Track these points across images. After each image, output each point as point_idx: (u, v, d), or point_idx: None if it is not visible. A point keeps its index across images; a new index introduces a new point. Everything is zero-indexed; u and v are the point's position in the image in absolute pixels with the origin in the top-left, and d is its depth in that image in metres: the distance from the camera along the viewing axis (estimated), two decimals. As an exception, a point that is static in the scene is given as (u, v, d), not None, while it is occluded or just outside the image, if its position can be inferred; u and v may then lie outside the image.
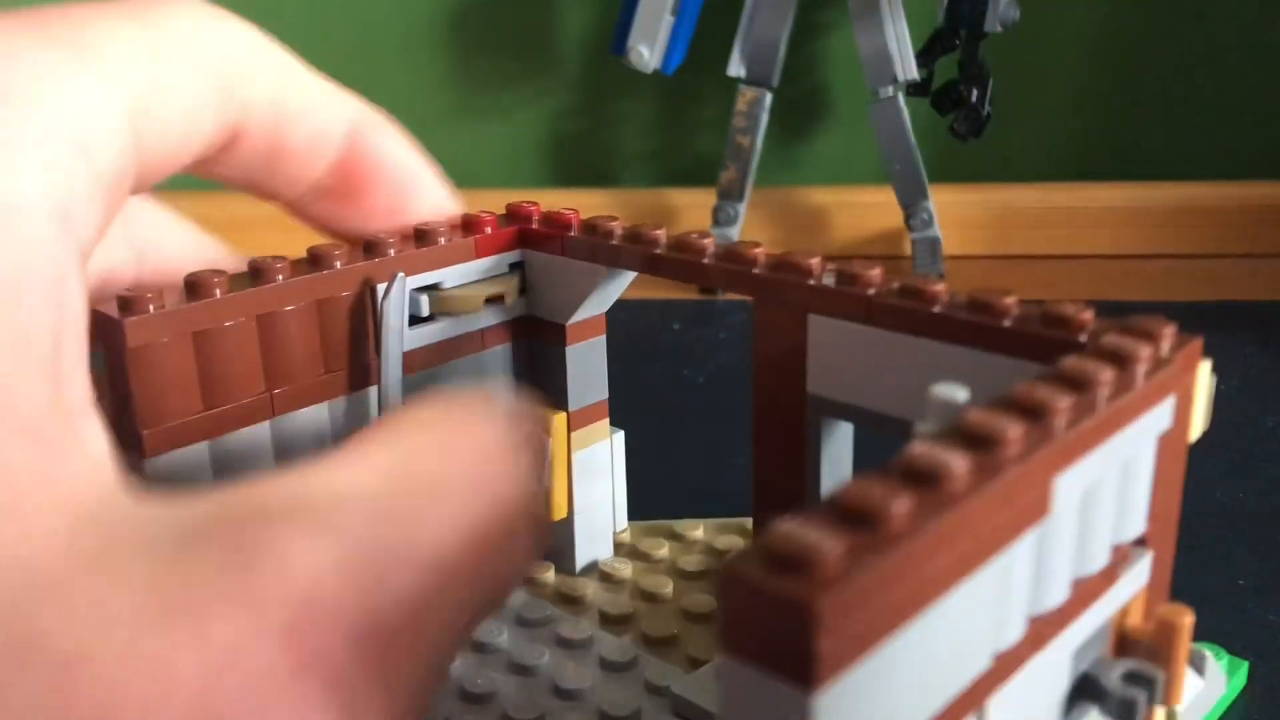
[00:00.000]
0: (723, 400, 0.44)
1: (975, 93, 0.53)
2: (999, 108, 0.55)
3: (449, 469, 0.16)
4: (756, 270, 0.23)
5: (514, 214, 0.27)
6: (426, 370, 0.26)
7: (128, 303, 0.21)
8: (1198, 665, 0.24)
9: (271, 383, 0.23)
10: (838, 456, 0.24)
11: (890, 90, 0.54)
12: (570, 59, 0.65)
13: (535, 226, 0.27)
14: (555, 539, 0.29)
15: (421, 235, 0.25)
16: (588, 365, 0.28)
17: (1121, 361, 0.17)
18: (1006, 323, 0.20)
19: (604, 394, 0.29)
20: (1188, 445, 0.19)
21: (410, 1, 0.65)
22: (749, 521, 0.30)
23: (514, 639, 0.26)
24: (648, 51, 0.53)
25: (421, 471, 0.16)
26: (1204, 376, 0.19)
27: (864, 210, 0.61)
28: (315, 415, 0.24)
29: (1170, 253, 0.60)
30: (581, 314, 0.27)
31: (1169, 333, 0.18)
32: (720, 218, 0.57)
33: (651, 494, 0.32)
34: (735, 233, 0.57)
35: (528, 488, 0.18)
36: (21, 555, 0.14)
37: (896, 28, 0.53)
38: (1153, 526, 0.19)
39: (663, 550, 0.29)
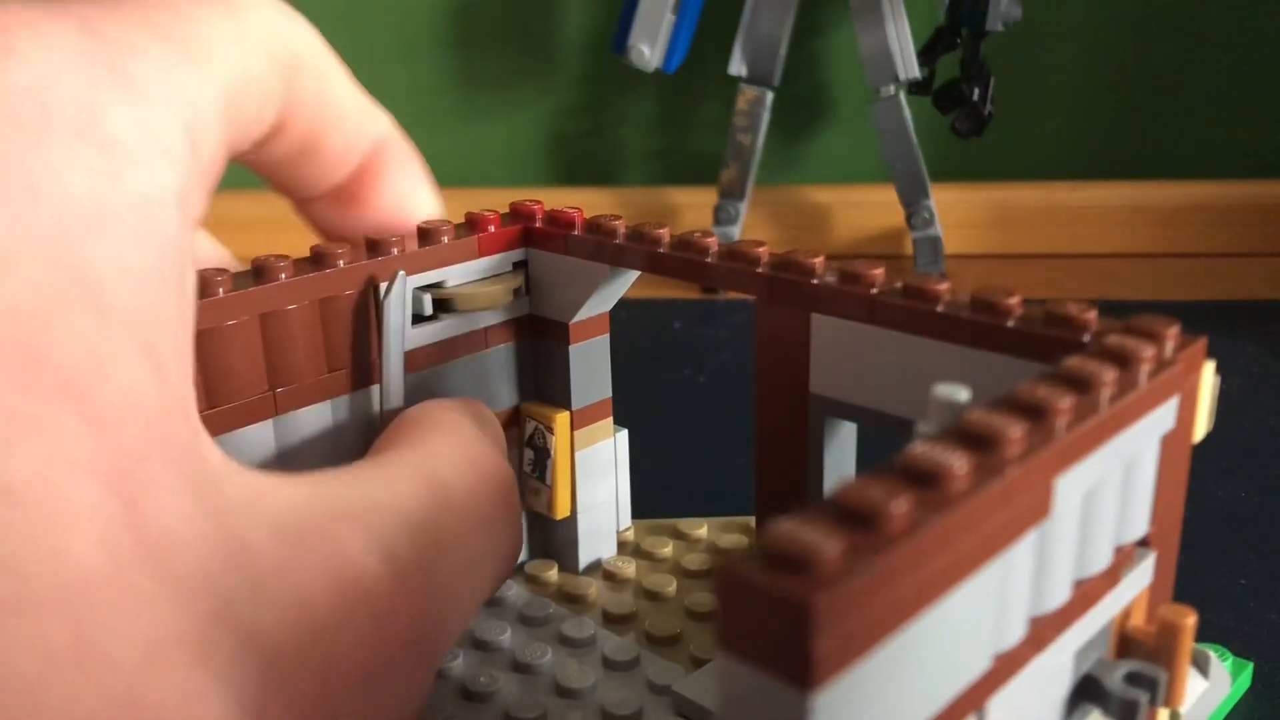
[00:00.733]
0: (724, 399, 0.44)
1: (976, 91, 0.53)
2: (1000, 106, 0.55)
3: (468, 481, 0.19)
4: (759, 269, 0.23)
5: (518, 212, 0.27)
6: (430, 369, 0.26)
7: None
8: (1201, 666, 0.24)
9: (274, 381, 0.23)
10: (841, 456, 0.24)
11: (892, 89, 0.54)
12: (571, 58, 0.65)
13: (539, 225, 0.27)
14: (558, 538, 0.29)
15: (424, 234, 0.25)
16: (591, 364, 0.28)
17: (1124, 362, 0.17)
18: (1009, 322, 0.20)
19: (607, 393, 0.29)
20: (1191, 446, 0.19)
21: (411, 1, 0.65)
22: (753, 520, 0.30)
23: (516, 637, 0.26)
24: (649, 50, 0.53)
25: (446, 482, 0.18)
26: (1208, 377, 0.19)
27: (865, 209, 0.61)
28: (318, 414, 0.24)
29: (1172, 251, 0.60)
30: (585, 313, 0.27)
31: (1173, 333, 0.18)
32: (721, 216, 0.57)
33: (653, 493, 0.32)
34: (736, 232, 0.57)
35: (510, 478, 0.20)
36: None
37: (898, 26, 0.53)
38: (1156, 527, 0.19)
39: (666, 549, 0.29)
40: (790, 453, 0.24)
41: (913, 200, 0.55)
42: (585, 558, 0.29)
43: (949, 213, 0.58)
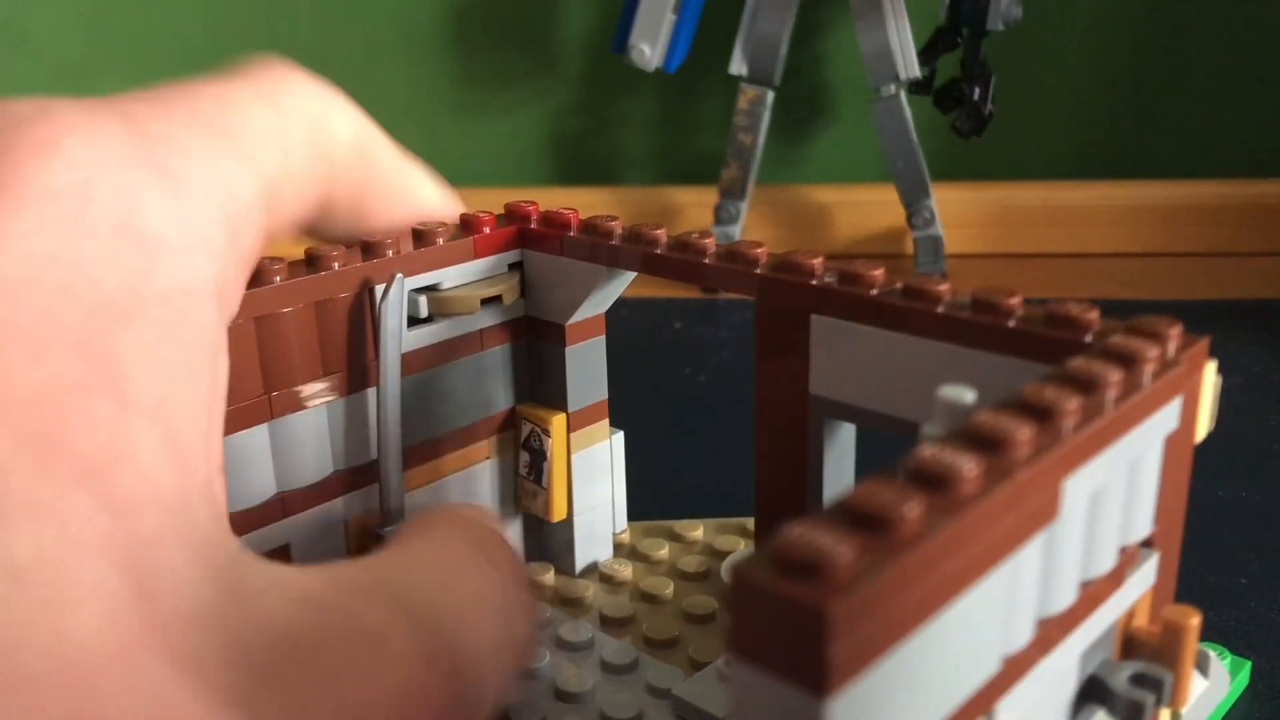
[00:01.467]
0: (724, 399, 0.44)
1: (977, 91, 0.53)
2: (1001, 106, 0.55)
3: (482, 568, 0.19)
4: (759, 270, 0.23)
5: (513, 213, 0.27)
6: (425, 371, 0.26)
7: None
8: (1201, 665, 0.24)
9: (269, 385, 0.23)
10: (840, 458, 0.24)
11: (892, 88, 0.54)
12: (572, 57, 0.65)
13: (534, 226, 0.27)
14: (555, 541, 0.29)
15: (419, 236, 0.25)
16: (587, 365, 0.28)
17: (1129, 362, 0.17)
18: (1011, 323, 0.20)
19: (603, 394, 0.28)
20: (1194, 446, 0.19)
21: (412, 0, 0.64)
22: (749, 522, 0.30)
23: (514, 640, 0.26)
24: (649, 50, 0.53)
25: (463, 569, 0.19)
26: (1210, 377, 0.19)
27: (866, 208, 0.61)
28: (314, 418, 0.24)
29: (1173, 251, 0.60)
30: (581, 314, 0.27)
31: (1175, 333, 0.18)
32: (722, 216, 0.57)
33: (652, 494, 0.32)
34: (737, 231, 0.57)
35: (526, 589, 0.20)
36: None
37: (898, 26, 0.53)
38: (1159, 528, 0.18)
39: (662, 551, 0.29)
40: (789, 454, 0.24)
41: (913, 200, 0.55)
42: (582, 560, 0.29)
43: (949, 212, 0.58)
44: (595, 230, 0.26)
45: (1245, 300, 0.53)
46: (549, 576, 0.28)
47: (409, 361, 0.25)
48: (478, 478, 0.28)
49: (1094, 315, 0.19)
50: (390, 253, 0.24)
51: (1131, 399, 0.16)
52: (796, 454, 0.24)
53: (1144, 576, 0.19)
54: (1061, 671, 0.17)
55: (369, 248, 0.24)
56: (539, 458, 0.28)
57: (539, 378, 0.28)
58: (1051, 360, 0.18)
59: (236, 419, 0.22)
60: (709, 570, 0.28)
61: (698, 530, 0.30)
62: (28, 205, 0.16)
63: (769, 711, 0.12)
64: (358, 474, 0.25)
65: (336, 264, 0.24)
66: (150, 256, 0.17)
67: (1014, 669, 0.15)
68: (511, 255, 0.27)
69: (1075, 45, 0.62)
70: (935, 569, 0.12)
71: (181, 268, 0.17)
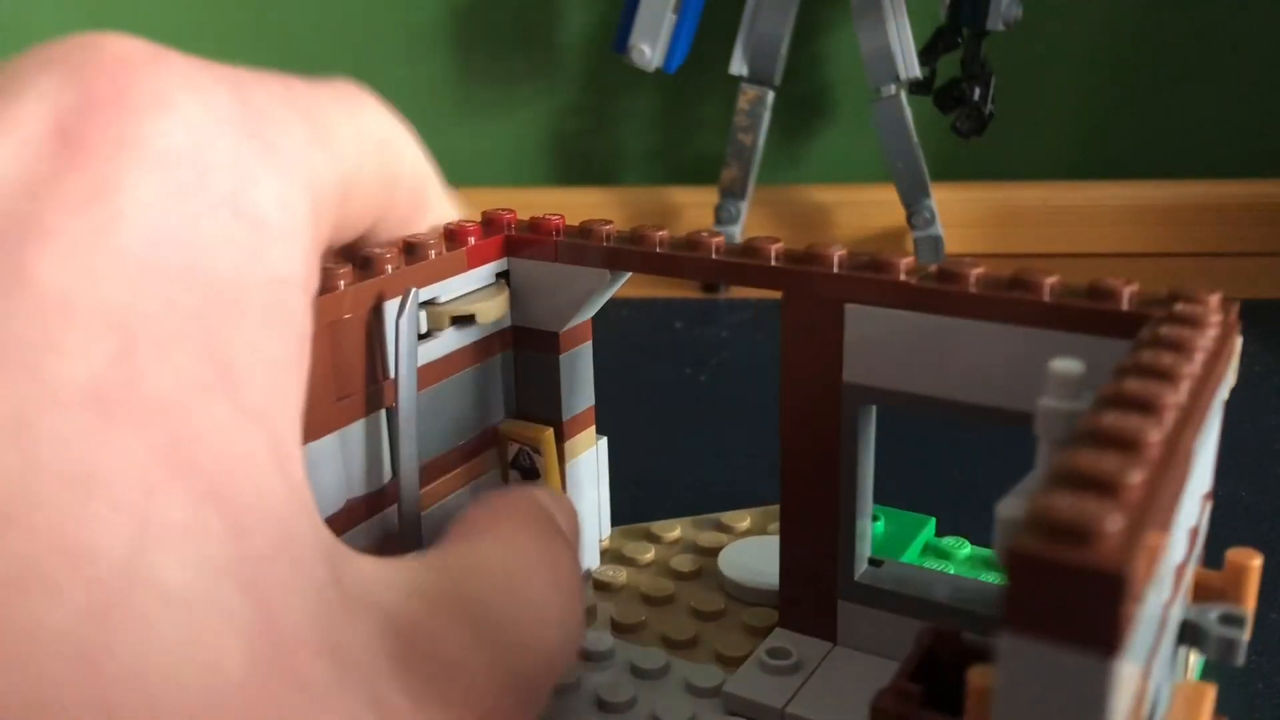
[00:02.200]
0: (725, 399, 0.44)
1: (977, 91, 0.53)
2: (1001, 106, 0.55)
3: (547, 592, 0.19)
4: (787, 265, 0.23)
5: (491, 222, 0.26)
6: (427, 388, 0.25)
7: None
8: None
9: None
10: (868, 442, 0.24)
11: (892, 88, 0.54)
12: (572, 57, 0.65)
13: (517, 233, 0.26)
14: None
15: (411, 249, 0.24)
16: (578, 372, 0.27)
17: (1200, 327, 0.18)
18: (1047, 297, 0.21)
19: (591, 400, 0.28)
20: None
21: (412, 0, 0.64)
22: (724, 516, 0.30)
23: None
24: (649, 50, 0.53)
25: (530, 590, 0.19)
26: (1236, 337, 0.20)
27: (866, 208, 0.61)
28: (328, 442, 0.23)
29: (1173, 251, 0.60)
30: (575, 320, 0.27)
31: (1215, 299, 0.19)
32: (722, 216, 0.57)
33: (652, 494, 0.32)
34: (737, 231, 0.57)
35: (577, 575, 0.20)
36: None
37: (899, 26, 0.53)
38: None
39: (648, 554, 0.29)
40: (819, 443, 0.24)
41: (914, 200, 0.55)
42: None
43: (950, 212, 0.58)
44: (590, 234, 0.25)
45: (1245, 300, 0.53)
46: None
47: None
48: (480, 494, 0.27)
49: (1135, 287, 0.20)
50: (389, 268, 0.23)
51: (1216, 361, 0.17)
52: (827, 442, 0.24)
53: (1204, 526, 0.20)
54: (1178, 616, 0.17)
55: (365, 263, 0.23)
56: (531, 475, 0.27)
57: (526, 389, 0.27)
58: (1092, 332, 0.20)
59: None
60: (702, 568, 0.28)
61: (675, 530, 0.30)
62: (149, 170, 0.15)
63: (1053, 681, 0.12)
64: (371, 500, 0.24)
65: (343, 282, 0.22)
66: (258, 239, 0.16)
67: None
68: (499, 264, 0.26)
69: (1075, 45, 0.62)
70: (1161, 524, 0.13)
71: (283, 254, 0.16)
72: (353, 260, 0.23)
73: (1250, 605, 0.19)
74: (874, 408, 0.24)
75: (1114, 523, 0.12)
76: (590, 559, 0.29)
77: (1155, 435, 0.14)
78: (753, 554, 0.28)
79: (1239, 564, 0.19)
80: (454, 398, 0.26)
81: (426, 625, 0.16)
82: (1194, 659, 0.25)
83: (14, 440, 0.13)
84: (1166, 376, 0.16)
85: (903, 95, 0.54)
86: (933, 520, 0.29)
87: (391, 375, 0.23)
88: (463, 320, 0.25)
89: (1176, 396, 0.15)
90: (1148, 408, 0.15)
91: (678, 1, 0.53)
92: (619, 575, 0.28)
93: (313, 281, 0.18)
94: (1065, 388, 0.17)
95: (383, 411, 0.24)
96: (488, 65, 0.66)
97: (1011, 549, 0.12)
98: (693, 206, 0.61)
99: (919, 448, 0.37)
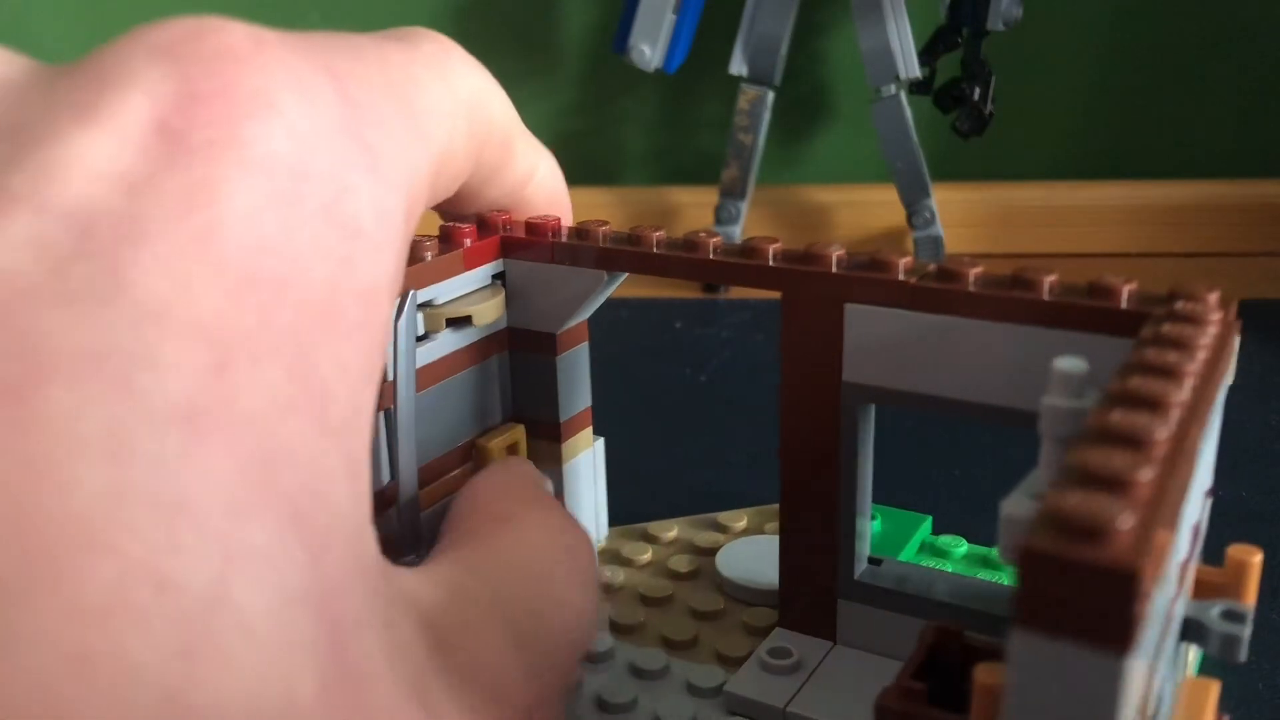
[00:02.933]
0: (725, 399, 0.44)
1: (977, 91, 0.53)
2: (1001, 106, 0.55)
3: (569, 591, 0.19)
4: (786, 265, 0.23)
5: (485, 223, 0.26)
6: (425, 390, 0.25)
7: None
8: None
9: None
10: (867, 440, 0.24)
11: (892, 88, 0.54)
12: (572, 57, 0.65)
13: (511, 234, 0.26)
14: None
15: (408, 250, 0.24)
16: (575, 373, 0.27)
17: (1201, 323, 0.18)
18: (1047, 296, 0.21)
19: (588, 401, 0.28)
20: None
21: (412, 0, 0.65)
22: (720, 516, 0.30)
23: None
24: (649, 50, 0.53)
25: (554, 576, 0.19)
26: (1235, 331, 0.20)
27: (866, 208, 0.61)
28: None
29: (1173, 251, 0.60)
30: (571, 322, 0.27)
31: (1214, 297, 0.19)
32: (722, 216, 0.57)
33: (652, 494, 0.32)
34: (737, 231, 0.57)
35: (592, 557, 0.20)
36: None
37: (899, 26, 0.53)
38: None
39: (645, 555, 0.29)
40: (818, 443, 0.24)
41: (914, 200, 0.55)
42: None
43: (950, 212, 0.58)
44: (588, 235, 0.25)
45: (1245, 300, 0.53)
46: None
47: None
48: None
49: (1133, 285, 0.20)
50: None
51: (1217, 358, 0.17)
52: (826, 442, 0.24)
53: (1204, 523, 0.20)
54: (1180, 613, 0.17)
55: None
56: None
57: (522, 391, 0.27)
58: (1091, 330, 0.20)
59: None
60: (699, 568, 0.28)
61: (673, 530, 0.30)
62: (249, 175, 0.14)
63: (1064, 678, 0.12)
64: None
65: None
66: (351, 249, 0.15)
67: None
68: (495, 266, 0.26)
69: (1075, 45, 0.62)
70: (1167, 522, 0.13)
71: (374, 264, 0.16)
72: None
73: (1251, 601, 0.19)
74: (873, 407, 0.24)
75: (1126, 520, 0.12)
76: None
77: (1163, 432, 0.14)
78: (750, 554, 0.28)
79: (1240, 560, 0.19)
80: (452, 399, 0.26)
81: (470, 636, 0.16)
82: (1193, 655, 0.25)
83: (110, 459, 0.12)
84: (1171, 374, 0.16)
85: (903, 95, 0.54)
86: (929, 519, 0.29)
87: (390, 377, 0.23)
88: (459, 322, 0.25)
89: (1181, 394, 0.15)
90: (1154, 405, 0.15)
91: (678, 2, 0.53)
92: (617, 576, 0.28)
93: (398, 284, 0.17)
94: (1069, 386, 0.17)
95: (381, 414, 0.23)
96: (488, 65, 0.65)
97: (1024, 547, 0.12)
98: (693, 206, 0.61)
99: (914, 446, 0.37)
